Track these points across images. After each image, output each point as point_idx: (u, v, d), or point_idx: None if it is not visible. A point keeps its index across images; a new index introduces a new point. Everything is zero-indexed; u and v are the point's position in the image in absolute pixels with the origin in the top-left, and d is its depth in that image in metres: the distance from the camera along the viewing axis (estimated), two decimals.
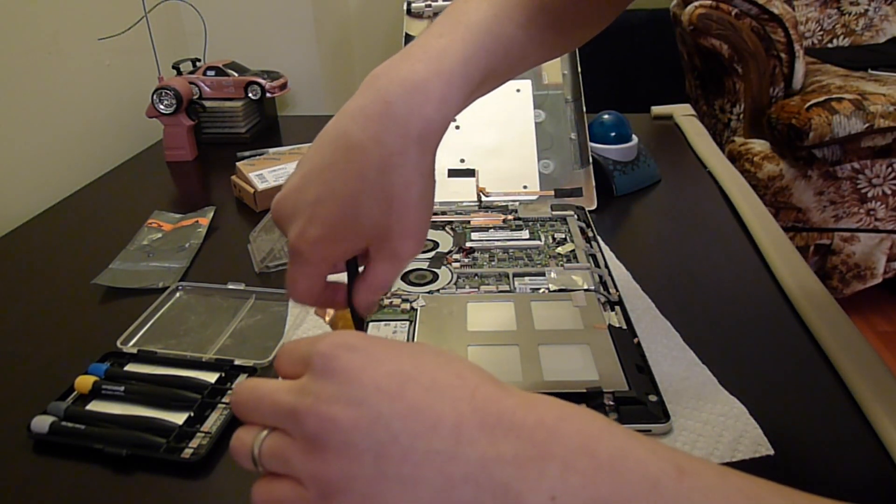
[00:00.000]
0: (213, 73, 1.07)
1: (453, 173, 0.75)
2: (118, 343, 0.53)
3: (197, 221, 0.76)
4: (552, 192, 0.75)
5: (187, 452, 0.42)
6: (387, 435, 0.27)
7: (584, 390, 0.43)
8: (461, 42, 0.38)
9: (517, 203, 0.71)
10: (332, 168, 0.35)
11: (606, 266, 0.59)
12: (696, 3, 1.95)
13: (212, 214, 0.77)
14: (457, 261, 0.60)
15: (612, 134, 0.81)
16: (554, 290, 0.55)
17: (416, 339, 0.49)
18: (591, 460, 0.26)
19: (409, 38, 0.84)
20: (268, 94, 1.08)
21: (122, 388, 0.47)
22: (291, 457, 0.28)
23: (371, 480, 0.27)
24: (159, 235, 0.73)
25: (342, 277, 0.39)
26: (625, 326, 0.51)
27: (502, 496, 0.26)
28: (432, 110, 0.35)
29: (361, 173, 0.35)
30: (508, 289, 0.55)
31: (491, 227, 0.65)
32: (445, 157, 0.76)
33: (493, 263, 0.59)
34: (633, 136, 0.82)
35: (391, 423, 0.27)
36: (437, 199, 0.74)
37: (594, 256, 0.60)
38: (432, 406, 0.27)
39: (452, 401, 0.28)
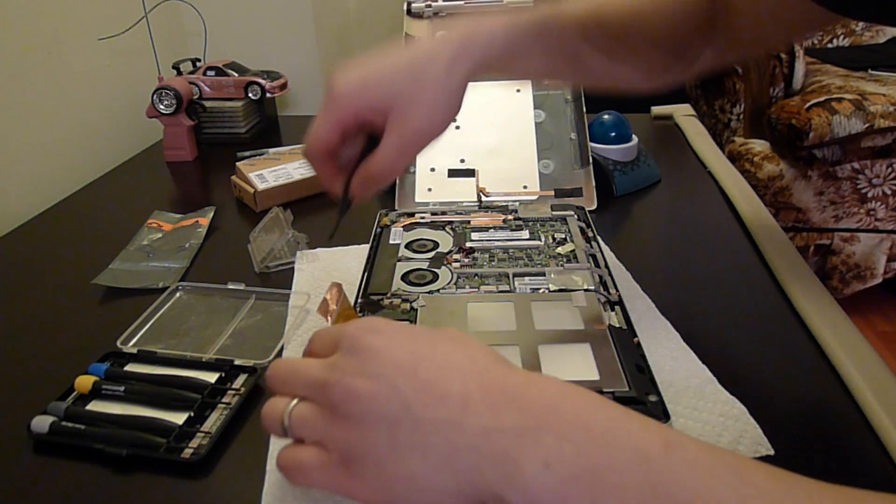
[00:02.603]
0: (213, 73, 1.07)
1: (453, 173, 0.75)
2: (118, 343, 0.53)
3: (197, 221, 0.76)
4: (552, 193, 0.75)
5: (187, 452, 0.42)
6: (401, 405, 0.30)
7: None
8: (517, 20, 0.48)
9: (517, 203, 0.70)
10: (390, 52, 0.46)
11: (606, 266, 0.59)
12: None
13: (212, 214, 0.77)
14: (457, 261, 0.60)
15: (612, 134, 0.81)
16: (554, 290, 0.55)
17: None
18: (584, 432, 0.28)
19: (409, 38, 0.84)
20: (268, 94, 1.08)
21: (122, 388, 0.47)
22: (318, 423, 0.32)
23: (386, 446, 0.30)
24: (159, 235, 0.73)
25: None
26: (625, 326, 0.50)
27: (501, 462, 0.28)
28: (474, 47, 0.46)
29: (407, 55, 0.45)
30: (508, 289, 0.55)
31: (491, 227, 0.65)
32: (445, 158, 0.76)
33: (493, 263, 0.59)
34: (633, 136, 0.82)
35: (405, 395, 0.30)
36: (437, 199, 0.74)
37: (594, 256, 0.60)
38: (443, 381, 0.30)
39: (461, 377, 0.31)
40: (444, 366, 0.31)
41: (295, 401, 0.33)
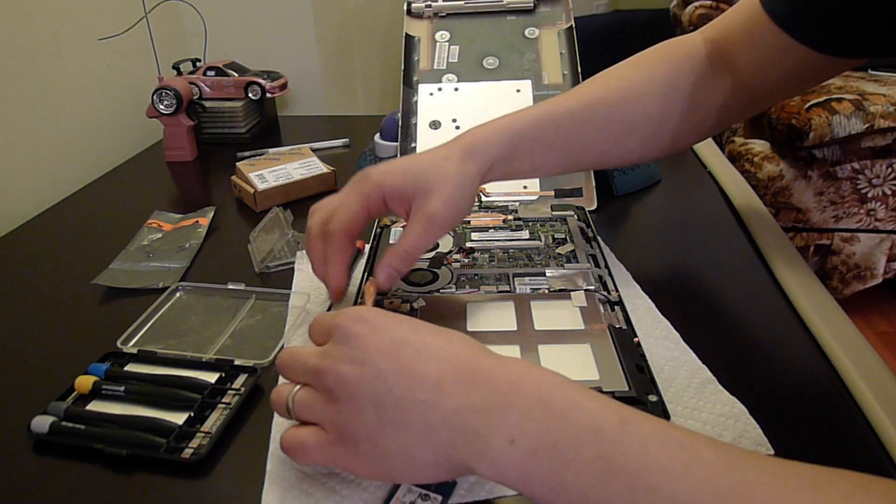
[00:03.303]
0: (213, 73, 1.07)
1: None
2: (118, 343, 0.53)
3: (197, 221, 0.76)
4: (552, 193, 0.75)
5: (187, 452, 0.42)
6: (384, 388, 0.33)
7: None
8: (509, 125, 0.54)
9: (517, 203, 0.70)
10: (410, 157, 0.52)
11: (606, 266, 0.59)
12: (696, 4, 1.95)
13: (212, 214, 0.77)
14: (457, 261, 0.60)
15: None
16: (554, 290, 0.55)
17: None
18: (545, 410, 0.31)
19: (409, 38, 0.85)
20: (268, 94, 1.08)
21: (122, 388, 0.47)
22: (316, 406, 0.36)
23: (373, 425, 0.33)
24: (159, 235, 0.73)
25: None
26: (625, 326, 0.51)
27: (472, 438, 0.31)
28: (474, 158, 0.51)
29: (427, 156, 0.51)
30: (508, 289, 0.55)
31: (491, 228, 0.65)
32: None
33: (493, 263, 0.59)
34: None
35: (387, 378, 0.33)
36: None
37: (594, 256, 0.60)
38: (421, 365, 0.34)
39: (437, 361, 0.34)
40: (423, 350, 0.34)
41: (298, 387, 0.37)
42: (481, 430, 0.31)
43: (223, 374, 0.49)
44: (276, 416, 0.45)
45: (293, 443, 0.36)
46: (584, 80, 0.79)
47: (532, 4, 0.84)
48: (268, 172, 0.82)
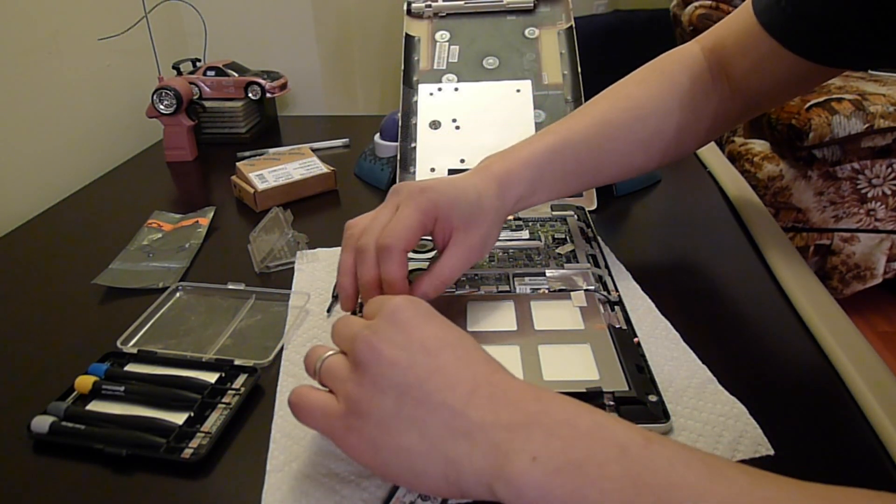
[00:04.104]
0: (213, 73, 1.07)
1: (453, 173, 0.75)
2: (118, 343, 0.53)
3: (197, 221, 0.76)
4: None
5: (187, 452, 0.42)
6: (414, 379, 0.33)
7: (584, 390, 0.43)
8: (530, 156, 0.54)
9: None
10: (447, 178, 0.51)
11: (606, 266, 0.59)
12: (696, 4, 1.95)
13: (212, 214, 0.77)
14: None
15: None
16: (554, 290, 0.55)
17: None
18: (571, 430, 0.31)
19: (409, 38, 0.85)
20: (268, 94, 1.08)
21: (122, 388, 0.47)
22: (340, 373, 0.35)
23: (388, 412, 0.33)
24: (159, 235, 0.73)
25: None
26: (625, 326, 0.51)
27: (492, 454, 0.31)
28: (509, 190, 0.52)
29: (468, 183, 0.50)
30: (508, 289, 0.55)
31: None
32: (445, 158, 0.76)
33: (493, 263, 0.59)
34: None
35: (420, 372, 0.33)
36: None
37: (594, 256, 0.60)
38: (457, 370, 0.33)
39: (474, 372, 0.33)
40: (463, 357, 0.34)
41: (331, 352, 0.37)
42: (503, 445, 0.31)
43: (223, 374, 0.49)
44: (276, 416, 0.45)
45: (301, 400, 0.36)
46: (583, 79, 0.79)
47: (532, 4, 0.84)
48: (268, 172, 0.82)
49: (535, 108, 0.78)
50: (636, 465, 0.29)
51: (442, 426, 0.32)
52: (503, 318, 0.52)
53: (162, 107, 0.95)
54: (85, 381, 0.48)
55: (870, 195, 1.60)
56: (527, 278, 0.57)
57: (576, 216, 0.68)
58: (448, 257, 0.48)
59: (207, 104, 1.04)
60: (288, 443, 0.43)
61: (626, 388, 0.43)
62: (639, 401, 0.43)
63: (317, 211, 0.80)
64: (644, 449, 0.29)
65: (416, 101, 0.80)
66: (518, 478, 0.30)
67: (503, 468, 0.30)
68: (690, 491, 0.27)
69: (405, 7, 0.86)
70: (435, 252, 0.61)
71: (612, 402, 0.42)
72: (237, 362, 0.50)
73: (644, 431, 0.30)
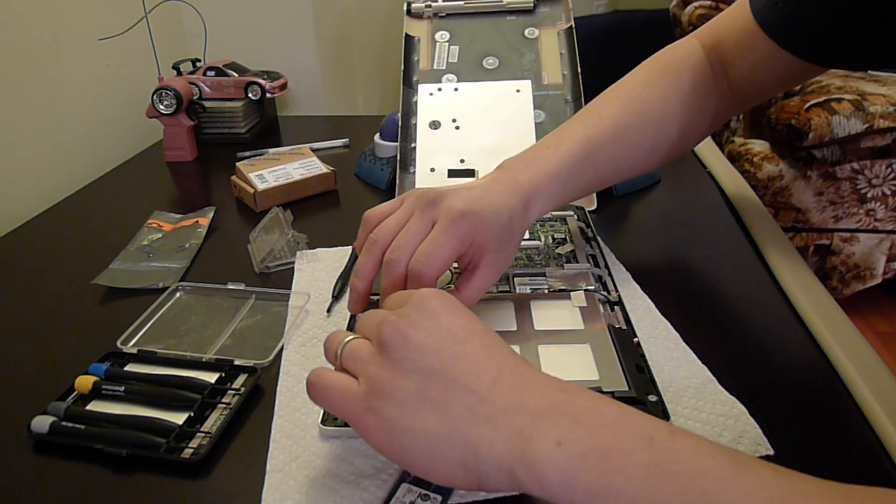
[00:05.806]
0: (213, 73, 1.07)
1: (453, 173, 0.75)
2: (118, 343, 0.53)
3: (197, 221, 0.76)
4: None
5: (187, 452, 0.42)
6: (439, 364, 0.33)
7: None
8: (558, 159, 0.53)
9: None
10: (477, 187, 0.49)
11: (606, 266, 0.59)
12: (695, 4, 1.95)
13: (212, 214, 0.77)
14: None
15: None
16: (554, 291, 0.55)
17: None
18: (597, 418, 0.31)
19: (408, 38, 0.85)
20: (268, 95, 1.08)
21: (123, 388, 0.47)
22: (363, 355, 0.35)
23: (411, 394, 0.32)
24: (159, 235, 0.73)
25: None
26: (625, 326, 0.51)
27: (515, 437, 0.30)
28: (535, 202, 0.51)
29: (504, 204, 0.48)
30: (508, 289, 0.55)
31: None
32: (445, 158, 0.76)
33: None
34: None
35: (446, 358, 0.33)
36: None
37: (594, 256, 0.60)
38: (483, 358, 0.34)
39: (499, 362, 0.34)
40: (489, 347, 0.34)
41: (353, 336, 0.37)
42: (527, 429, 0.30)
43: (223, 374, 0.49)
44: (276, 416, 0.45)
45: (320, 380, 0.35)
46: (583, 79, 0.79)
47: (532, 4, 0.84)
48: (268, 172, 0.82)
49: (534, 108, 0.78)
50: (662, 455, 0.29)
51: (464, 410, 0.32)
52: (503, 318, 0.52)
53: (162, 107, 0.95)
54: (85, 381, 0.48)
55: (869, 195, 1.60)
56: (527, 278, 0.57)
57: (576, 216, 0.68)
58: (478, 279, 0.47)
59: (207, 104, 1.04)
60: (288, 443, 0.43)
61: (626, 388, 0.43)
62: (639, 401, 0.43)
63: (317, 211, 0.80)
64: (669, 440, 0.29)
65: (416, 102, 0.80)
66: (541, 462, 0.29)
67: (525, 453, 0.30)
68: (716, 480, 0.28)
69: (405, 7, 0.86)
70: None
71: None
72: (237, 362, 0.50)
73: (669, 425, 0.31)
